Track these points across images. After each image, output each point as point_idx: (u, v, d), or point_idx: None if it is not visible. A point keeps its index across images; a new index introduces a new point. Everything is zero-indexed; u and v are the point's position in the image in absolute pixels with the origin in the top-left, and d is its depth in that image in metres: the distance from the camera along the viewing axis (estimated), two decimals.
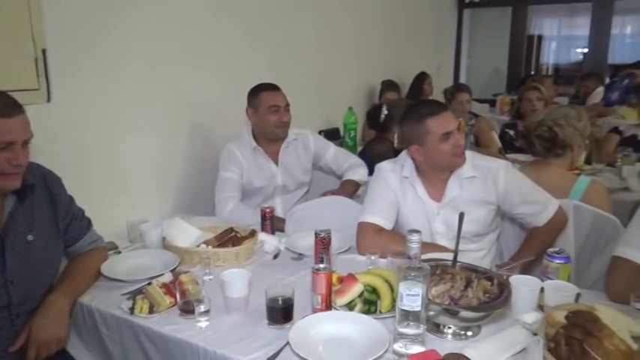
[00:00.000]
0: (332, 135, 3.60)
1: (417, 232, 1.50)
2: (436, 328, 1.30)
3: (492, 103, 5.89)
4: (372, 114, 3.01)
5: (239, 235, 1.80)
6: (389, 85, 4.13)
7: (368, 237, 1.83)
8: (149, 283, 1.47)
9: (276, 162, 2.45)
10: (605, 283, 1.52)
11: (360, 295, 1.39)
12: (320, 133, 3.56)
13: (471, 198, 1.83)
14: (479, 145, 3.52)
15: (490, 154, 3.21)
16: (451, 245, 1.82)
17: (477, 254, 1.90)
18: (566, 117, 2.03)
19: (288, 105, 2.39)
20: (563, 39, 11.18)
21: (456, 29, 6.73)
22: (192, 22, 2.58)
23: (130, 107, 2.32)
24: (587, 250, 1.98)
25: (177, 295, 1.40)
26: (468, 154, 1.93)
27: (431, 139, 1.76)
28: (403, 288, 1.16)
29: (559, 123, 2.02)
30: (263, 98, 2.35)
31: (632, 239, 1.51)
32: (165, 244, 1.80)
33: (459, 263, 1.40)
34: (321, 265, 1.37)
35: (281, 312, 1.33)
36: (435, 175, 1.86)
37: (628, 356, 1.05)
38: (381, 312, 1.37)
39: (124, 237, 2.10)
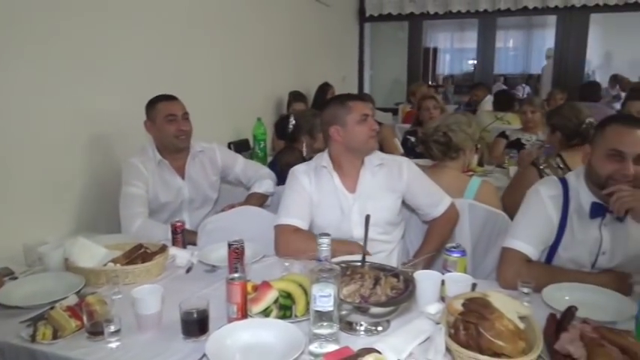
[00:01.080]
0: (242, 146, 3.60)
1: (327, 235, 1.56)
2: (349, 327, 1.36)
3: (395, 111, 6.21)
4: (281, 124, 3.06)
5: (149, 251, 1.75)
6: (296, 96, 4.21)
7: (285, 238, 1.89)
8: (52, 308, 1.39)
9: (182, 175, 2.40)
10: (496, 273, 1.68)
11: (276, 301, 1.42)
12: (229, 144, 3.55)
13: (382, 185, 1.99)
14: (383, 151, 3.68)
15: None
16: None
17: (387, 246, 2.03)
18: (458, 123, 2.22)
19: (186, 114, 2.36)
20: (455, 51, 12.11)
21: (358, 42, 7.01)
22: (90, 30, 2.47)
23: (22, 119, 2.16)
24: (482, 244, 2.16)
25: (84, 318, 1.34)
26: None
27: (351, 119, 1.92)
28: (316, 290, 1.21)
29: (452, 128, 2.21)
30: (160, 108, 2.31)
31: (517, 232, 1.69)
32: (69, 266, 1.70)
33: (367, 263, 1.48)
34: (236, 275, 1.38)
35: (196, 324, 1.32)
36: (350, 162, 1.99)
37: (515, 334, 1.18)
38: (296, 316, 1.41)
39: (21, 261, 1.95)
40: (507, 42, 12.26)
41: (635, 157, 1.53)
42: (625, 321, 1.35)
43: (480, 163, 3.48)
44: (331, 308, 1.21)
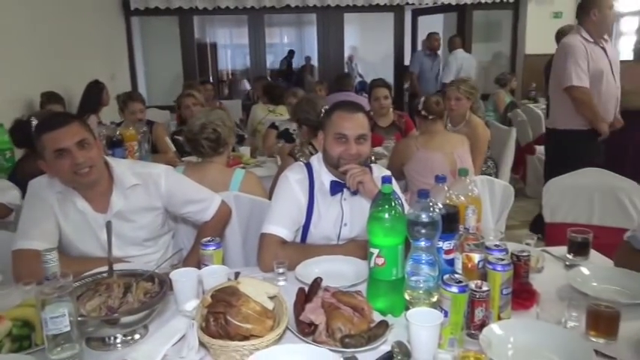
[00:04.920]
0: None
1: (52, 249, 1.39)
2: (102, 343, 1.28)
3: (173, 108, 6.02)
4: (19, 130, 2.63)
5: None
6: (50, 97, 3.74)
7: (25, 264, 1.64)
8: None
9: None
10: (257, 258, 1.76)
11: (9, 333, 1.24)
12: None
13: (137, 206, 1.83)
14: (157, 151, 3.55)
15: (168, 159, 3.30)
16: (123, 253, 1.81)
17: (154, 256, 1.93)
18: (221, 119, 2.26)
19: None
20: (236, 47, 12.32)
21: (126, 37, 6.58)
22: None
23: None
24: (252, 232, 2.24)
25: None
26: (127, 162, 1.94)
27: (48, 155, 1.65)
28: (46, 312, 1.09)
29: (218, 124, 2.23)
30: None
31: (271, 217, 1.80)
32: None
33: (117, 271, 1.39)
34: None
35: None
36: (87, 187, 1.75)
37: (263, 314, 1.25)
38: (37, 344, 1.25)
39: None
40: (283, 38, 13.00)
41: (356, 138, 1.76)
42: (363, 282, 1.53)
43: (253, 155, 3.62)
44: (68, 328, 1.11)
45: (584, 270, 1.57)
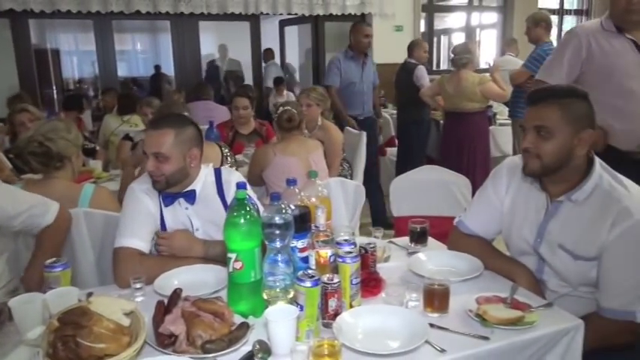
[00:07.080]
0: None
1: None
2: None
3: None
4: None
5: None
6: None
7: None
8: None
9: None
10: (113, 275, 1.68)
11: None
12: None
13: None
14: None
15: (3, 177, 2.96)
16: None
17: None
18: (55, 130, 2.08)
19: None
20: (83, 54, 11.36)
21: None
22: None
23: None
24: (108, 249, 2.11)
25: None
26: None
27: None
28: None
29: (49, 137, 2.05)
30: None
31: (123, 230, 1.74)
32: None
33: None
34: None
35: None
36: None
37: (118, 331, 1.21)
38: None
39: None
40: (135, 45, 12.32)
41: (153, 155, 1.73)
42: (225, 288, 1.55)
43: (106, 168, 3.41)
44: None
45: (422, 256, 1.77)
